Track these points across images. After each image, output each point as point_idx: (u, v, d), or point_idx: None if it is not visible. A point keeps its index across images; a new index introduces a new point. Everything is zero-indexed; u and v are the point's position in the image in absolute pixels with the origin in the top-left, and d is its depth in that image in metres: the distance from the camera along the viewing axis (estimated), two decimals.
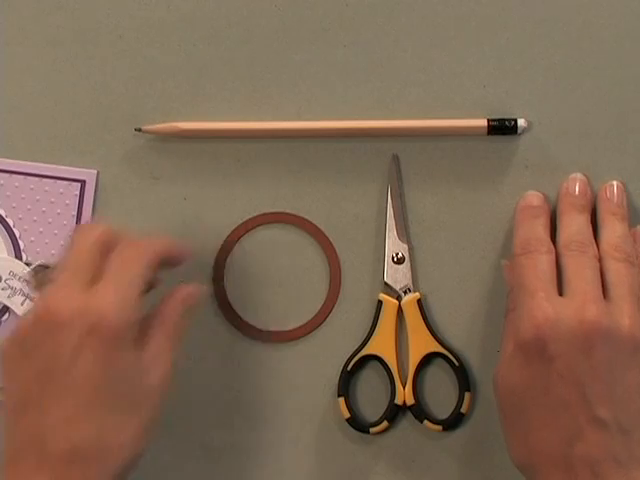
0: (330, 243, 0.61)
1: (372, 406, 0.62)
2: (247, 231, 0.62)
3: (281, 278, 0.62)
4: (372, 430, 0.61)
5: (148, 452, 0.60)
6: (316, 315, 0.61)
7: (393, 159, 0.62)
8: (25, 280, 0.58)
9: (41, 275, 0.58)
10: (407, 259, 0.62)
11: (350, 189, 0.63)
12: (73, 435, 0.49)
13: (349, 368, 0.61)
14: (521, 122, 0.62)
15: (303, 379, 0.62)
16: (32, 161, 0.63)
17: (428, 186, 0.62)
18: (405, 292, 0.61)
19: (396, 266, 0.62)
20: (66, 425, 0.49)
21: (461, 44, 0.63)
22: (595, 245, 0.55)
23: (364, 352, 0.61)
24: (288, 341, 0.62)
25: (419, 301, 0.61)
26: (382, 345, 0.61)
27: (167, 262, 0.55)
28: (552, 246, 0.55)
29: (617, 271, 0.53)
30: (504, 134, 0.62)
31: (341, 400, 0.61)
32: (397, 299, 0.61)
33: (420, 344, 0.61)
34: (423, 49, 0.63)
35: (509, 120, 0.62)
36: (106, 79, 0.63)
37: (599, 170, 0.62)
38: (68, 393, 0.49)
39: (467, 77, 0.63)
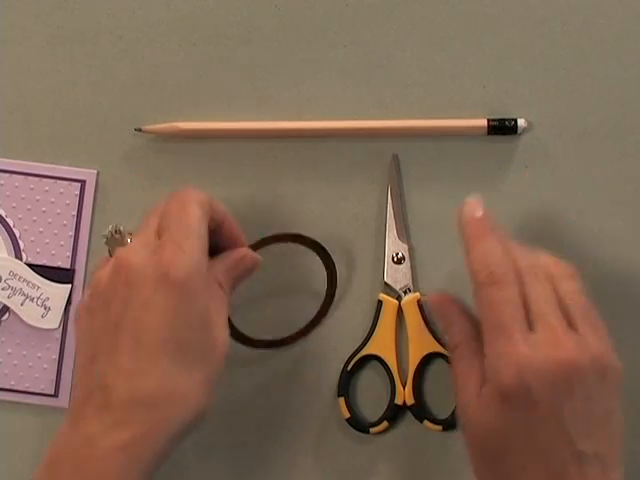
0: (328, 254, 0.61)
1: (372, 406, 0.62)
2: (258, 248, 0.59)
3: (278, 288, 0.62)
4: (372, 430, 0.61)
5: None
6: (307, 325, 0.62)
7: (393, 159, 0.62)
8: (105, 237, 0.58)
9: (115, 238, 0.58)
10: (407, 259, 0.62)
11: (350, 189, 0.63)
12: (138, 384, 0.50)
13: (349, 368, 0.61)
14: (521, 122, 0.62)
15: (303, 379, 0.62)
16: (32, 161, 0.63)
17: (428, 186, 0.62)
18: (405, 292, 0.61)
19: (396, 266, 0.62)
20: (131, 374, 0.50)
21: (461, 44, 0.63)
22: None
23: (364, 352, 0.61)
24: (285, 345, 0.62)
25: (419, 301, 0.61)
26: (382, 345, 0.61)
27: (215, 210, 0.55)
28: (513, 270, 0.51)
29: (570, 292, 0.51)
30: (504, 134, 0.62)
31: (341, 400, 0.61)
32: (397, 299, 0.61)
33: (420, 344, 0.61)
34: (423, 49, 0.63)
35: (509, 120, 0.62)
36: (106, 79, 0.63)
37: (599, 170, 0.62)
38: (136, 343, 0.50)
39: (467, 77, 0.63)
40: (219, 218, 0.55)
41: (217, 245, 0.55)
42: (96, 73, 0.63)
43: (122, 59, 0.63)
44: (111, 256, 0.54)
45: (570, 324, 0.50)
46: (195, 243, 0.51)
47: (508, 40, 0.63)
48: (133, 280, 0.51)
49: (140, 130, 0.62)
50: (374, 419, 0.61)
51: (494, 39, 0.63)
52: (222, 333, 0.53)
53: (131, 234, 0.55)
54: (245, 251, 0.56)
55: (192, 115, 0.63)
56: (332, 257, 0.60)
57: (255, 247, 0.58)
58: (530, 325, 0.50)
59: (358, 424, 0.61)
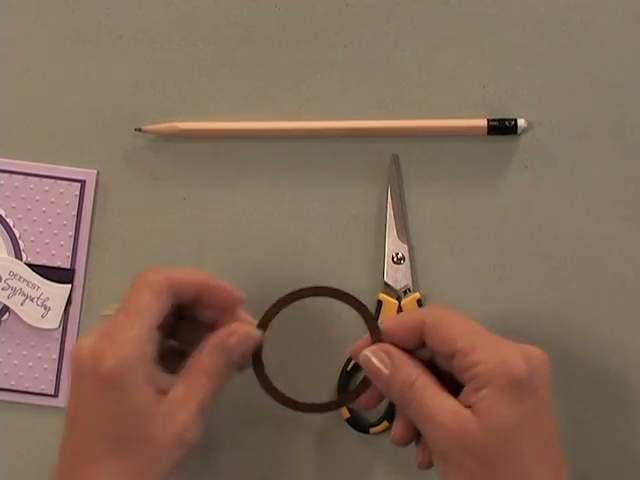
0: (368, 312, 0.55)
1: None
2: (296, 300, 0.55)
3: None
4: (372, 430, 0.61)
5: None
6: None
7: (393, 159, 0.62)
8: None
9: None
10: (407, 259, 0.62)
11: (350, 189, 0.63)
12: (71, 475, 0.50)
13: (349, 368, 0.61)
14: (521, 122, 0.62)
15: (303, 379, 0.62)
16: (32, 161, 0.63)
17: (428, 186, 0.62)
18: (405, 292, 0.61)
19: (396, 266, 0.62)
20: (69, 464, 0.51)
21: (461, 44, 0.63)
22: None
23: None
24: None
25: (419, 301, 0.61)
26: None
27: (189, 292, 0.53)
28: None
29: None
30: (504, 134, 0.62)
31: None
32: (397, 299, 0.61)
33: None
34: (423, 49, 0.63)
35: (509, 120, 0.62)
36: (106, 79, 0.63)
37: (599, 170, 0.62)
38: (75, 433, 0.51)
39: (467, 77, 0.63)
40: (192, 291, 0.53)
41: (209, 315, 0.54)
42: (96, 73, 0.63)
43: (122, 59, 0.63)
44: None
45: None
46: (133, 334, 0.50)
47: (508, 40, 0.63)
48: (75, 370, 0.51)
49: (140, 130, 0.62)
50: (374, 419, 0.61)
51: (494, 39, 0.63)
52: (175, 424, 0.50)
53: None
54: (231, 330, 0.53)
55: (192, 115, 0.63)
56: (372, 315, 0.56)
57: (284, 302, 0.54)
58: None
59: (358, 424, 0.61)
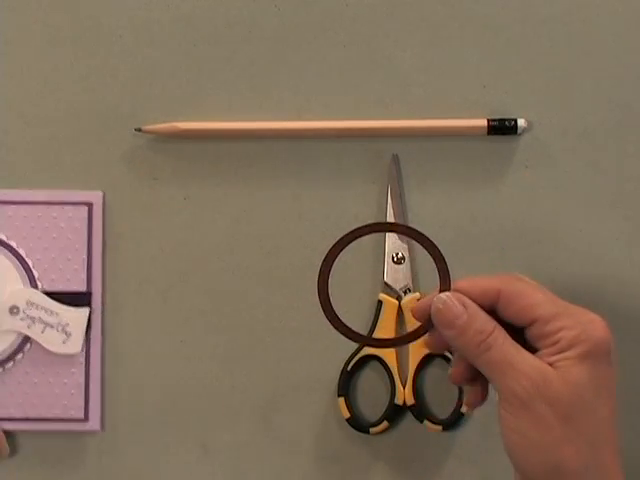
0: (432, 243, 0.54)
1: (372, 406, 0.62)
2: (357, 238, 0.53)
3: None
4: (372, 430, 0.61)
5: (148, 452, 0.61)
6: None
7: (393, 159, 0.62)
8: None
9: None
10: (407, 259, 0.62)
11: (350, 189, 0.63)
12: None
13: (349, 368, 0.61)
14: (521, 122, 0.62)
15: (303, 379, 0.62)
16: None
17: (428, 186, 0.62)
18: (405, 292, 0.61)
19: (396, 266, 0.62)
20: None
21: (461, 44, 0.63)
22: None
23: (364, 352, 0.61)
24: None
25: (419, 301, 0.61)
26: None
27: None
28: None
29: None
30: (504, 134, 0.62)
31: (341, 400, 0.61)
32: (397, 299, 0.61)
33: (420, 344, 0.60)
34: (423, 49, 0.63)
35: (509, 120, 0.62)
36: (106, 79, 0.63)
37: (599, 170, 0.62)
38: None
39: (467, 77, 0.63)
40: None
41: None
42: (96, 73, 0.63)
43: (122, 59, 0.63)
44: None
45: None
46: None
47: (508, 40, 0.63)
48: None
49: (140, 130, 0.62)
50: (374, 419, 0.61)
51: (494, 39, 0.63)
52: None
53: None
54: None
55: (192, 115, 0.63)
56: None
57: (356, 234, 0.52)
58: None
59: (358, 424, 0.61)
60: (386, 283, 0.62)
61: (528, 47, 0.63)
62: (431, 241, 0.53)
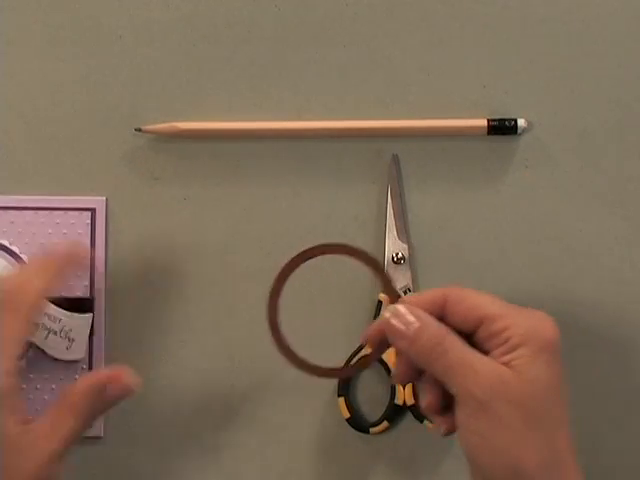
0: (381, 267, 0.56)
1: (372, 406, 0.62)
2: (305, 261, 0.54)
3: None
4: (372, 430, 0.61)
5: (150, 457, 0.61)
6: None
7: (393, 159, 0.62)
8: None
9: None
10: (407, 259, 0.62)
11: (350, 189, 0.63)
12: None
13: None
14: (521, 122, 0.62)
15: (303, 379, 0.62)
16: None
17: (428, 186, 0.62)
18: (405, 292, 0.61)
19: (396, 266, 0.62)
20: None
21: (461, 44, 0.63)
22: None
23: (364, 352, 0.61)
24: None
25: None
26: None
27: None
28: None
29: None
30: (504, 134, 0.62)
31: (341, 400, 0.61)
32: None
33: None
34: (423, 49, 0.63)
35: (509, 120, 0.62)
36: (106, 79, 0.63)
37: (599, 170, 0.62)
38: None
39: (467, 77, 0.63)
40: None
41: None
42: (96, 73, 0.63)
43: (122, 59, 0.63)
44: None
45: None
46: (3, 366, 0.51)
47: (508, 40, 0.63)
48: None
49: (140, 130, 0.62)
50: (374, 419, 0.61)
51: (494, 39, 0.63)
52: (30, 460, 0.50)
53: None
54: (111, 377, 0.53)
55: (192, 115, 0.63)
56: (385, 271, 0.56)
57: (299, 259, 0.54)
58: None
59: (358, 424, 0.61)
60: None
61: (528, 47, 0.62)
62: (375, 260, 0.53)
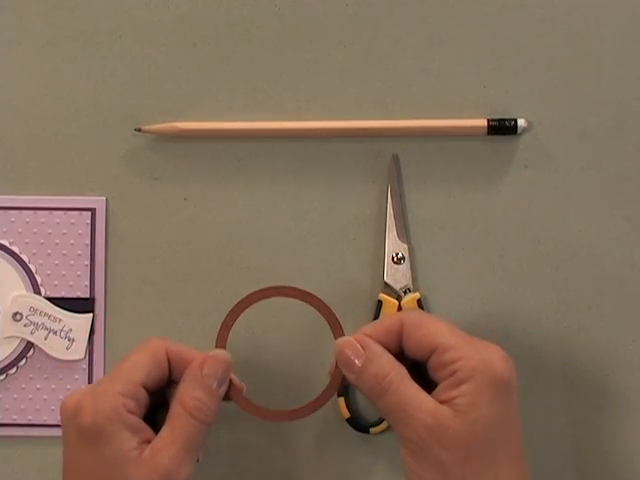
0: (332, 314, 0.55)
1: (372, 406, 0.62)
2: (250, 305, 0.55)
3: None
4: (372, 430, 0.61)
5: None
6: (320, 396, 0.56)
7: (393, 159, 0.62)
8: None
9: None
10: (407, 259, 0.62)
11: (350, 189, 0.63)
12: None
13: None
14: (521, 122, 0.62)
15: (303, 379, 0.62)
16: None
17: (428, 186, 0.62)
18: (405, 292, 0.61)
19: (396, 266, 0.62)
20: None
21: (461, 44, 0.63)
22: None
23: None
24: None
25: (419, 301, 0.61)
26: None
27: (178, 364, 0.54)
28: None
29: None
30: (504, 134, 0.62)
31: (341, 400, 0.61)
32: (397, 299, 0.61)
33: None
34: (423, 49, 0.63)
35: (509, 120, 0.62)
36: (106, 79, 0.63)
37: (599, 170, 0.62)
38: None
39: (467, 77, 0.63)
40: (182, 362, 0.54)
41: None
42: (96, 73, 0.63)
43: (122, 59, 0.63)
44: None
45: None
46: (116, 387, 0.51)
47: (508, 40, 0.63)
48: (62, 422, 0.52)
49: (140, 130, 0.62)
50: (374, 419, 0.61)
51: (494, 39, 0.63)
52: (159, 468, 0.51)
53: None
54: (200, 357, 0.53)
55: (192, 115, 0.63)
56: (337, 316, 0.55)
57: (248, 302, 0.55)
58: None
59: (358, 424, 0.61)
60: (386, 283, 0.62)
61: (528, 47, 0.63)
62: (319, 299, 0.55)
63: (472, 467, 0.49)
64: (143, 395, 0.52)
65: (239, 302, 0.55)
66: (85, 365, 0.62)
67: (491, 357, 0.50)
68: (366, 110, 0.63)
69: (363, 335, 0.53)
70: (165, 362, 0.53)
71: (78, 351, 0.62)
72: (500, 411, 0.50)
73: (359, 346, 0.52)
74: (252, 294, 0.55)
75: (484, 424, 0.49)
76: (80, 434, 0.51)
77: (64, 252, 0.62)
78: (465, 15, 0.63)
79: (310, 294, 0.55)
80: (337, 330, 0.54)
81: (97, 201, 0.63)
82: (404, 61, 0.63)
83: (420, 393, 0.50)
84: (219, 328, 0.54)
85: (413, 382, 0.51)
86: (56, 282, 0.62)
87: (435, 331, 0.51)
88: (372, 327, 0.53)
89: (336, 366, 0.54)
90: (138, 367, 0.52)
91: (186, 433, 0.51)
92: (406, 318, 0.52)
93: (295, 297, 0.55)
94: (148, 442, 0.51)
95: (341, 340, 0.53)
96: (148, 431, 0.52)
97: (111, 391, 0.51)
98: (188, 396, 0.52)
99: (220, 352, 0.54)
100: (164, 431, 0.52)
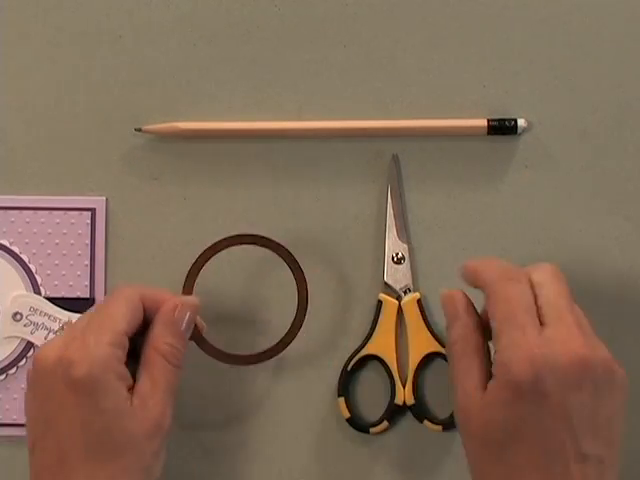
0: (296, 262, 0.59)
1: (372, 406, 0.62)
2: (215, 253, 0.59)
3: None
4: (372, 430, 0.61)
5: None
6: (283, 337, 0.59)
7: (393, 159, 0.62)
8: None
9: None
10: (407, 259, 0.62)
11: (350, 189, 0.63)
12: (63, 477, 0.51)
13: (349, 368, 0.61)
14: (521, 122, 0.62)
15: (303, 379, 0.62)
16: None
17: (428, 186, 0.62)
18: (405, 292, 0.61)
19: (396, 266, 0.62)
20: (54, 470, 0.51)
21: (461, 44, 0.63)
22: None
23: (364, 352, 0.61)
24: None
25: (419, 301, 0.61)
26: (382, 345, 0.61)
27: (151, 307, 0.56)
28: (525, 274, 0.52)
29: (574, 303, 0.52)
30: (504, 134, 0.62)
31: (341, 400, 0.61)
32: (397, 299, 0.61)
33: (420, 344, 0.61)
34: (423, 49, 0.63)
35: (509, 120, 0.62)
36: (106, 79, 0.63)
37: (599, 170, 0.62)
38: (54, 439, 0.51)
39: (467, 77, 0.63)
40: (156, 305, 0.55)
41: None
42: (96, 73, 0.63)
43: (122, 59, 0.63)
44: None
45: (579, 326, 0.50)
46: (104, 337, 0.52)
47: (508, 40, 0.63)
48: (44, 373, 0.52)
49: (140, 130, 0.62)
50: (374, 419, 0.61)
51: (494, 39, 0.63)
52: (150, 416, 0.52)
53: None
54: (172, 302, 0.55)
55: (192, 115, 0.63)
56: (299, 263, 0.59)
57: (213, 250, 0.58)
58: (542, 321, 0.50)
59: (358, 424, 0.61)
60: (386, 283, 0.62)
61: (528, 47, 0.62)
62: (280, 245, 0.59)
63: (487, 460, 0.49)
64: (126, 344, 0.53)
65: (205, 250, 0.58)
66: None
67: (511, 357, 0.48)
68: (366, 110, 0.63)
69: (456, 292, 0.53)
70: (141, 309, 0.54)
71: None
72: (518, 418, 0.48)
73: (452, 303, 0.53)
74: (217, 243, 0.58)
75: (495, 429, 0.48)
76: (71, 386, 0.51)
77: (64, 252, 0.62)
78: (465, 15, 0.63)
79: (270, 240, 0.58)
80: (299, 277, 0.58)
81: (97, 201, 0.63)
82: (404, 61, 0.63)
83: (472, 372, 0.50)
84: (186, 276, 0.58)
85: (476, 356, 0.51)
86: (56, 282, 0.62)
87: (493, 311, 0.50)
88: (487, 267, 0.53)
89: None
90: (120, 317, 0.53)
91: (165, 378, 0.53)
92: (486, 281, 0.52)
93: (255, 244, 0.59)
94: (131, 389, 0.52)
95: (443, 293, 0.54)
96: (130, 379, 0.53)
97: (102, 342, 0.51)
98: (162, 342, 0.54)
99: (190, 297, 0.57)
100: (144, 378, 0.53)
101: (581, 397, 0.48)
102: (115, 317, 0.53)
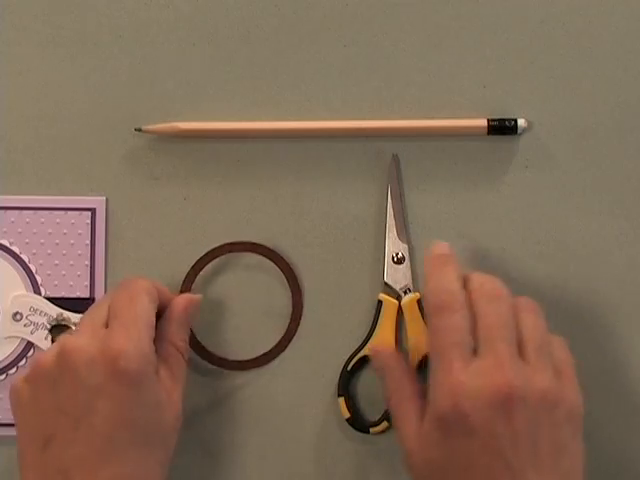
0: (293, 272, 0.61)
1: (372, 406, 0.62)
2: (213, 259, 0.62)
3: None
4: (372, 430, 0.61)
5: None
6: (278, 342, 0.62)
7: (393, 159, 0.62)
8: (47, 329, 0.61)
9: (60, 326, 0.61)
10: (407, 259, 0.62)
11: (350, 189, 0.63)
12: (95, 472, 0.50)
13: (349, 368, 0.61)
14: (521, 122, 0.62)
15: (303, 379, 0.62)
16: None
17: (428, 186, 0.62)
18: (405, 292, 0.61)
19: (396, 266, 0.62)
20: (89, 462, 0.50)
21: (461, 44, 0.63)
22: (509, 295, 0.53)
23: (364, 352, 0.61)
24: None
25: (419, 301, 0.61)
26: (382, 345, 0.61)
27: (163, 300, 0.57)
28: (464, 296, 0.52)
29: (527, 324, 0.51)
30: (504, 134, 0.62)
31: (341, 400, 0.61)
32: (397, 299, 0.61)
33: (420, 344, 0.61)
34: (423, 49, 0.63)
35: (509, 120, 0.62)
36: (106, 79, 0.63)
37: (599, 170, 0.62)
38: (91, 430, 0.51)
39: (467, 77, 0.63)
40: (166, 301, 0.58)
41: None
42: (96, 73, 0.63)
43: (122, 59, 0.63)
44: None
45: (522, 355, 0.50)
46: (143, 332, 0.53)
47: (508, 40, 0.63)
48: (81, 365, 0.51)
49: (140, 130, 0.62)
50: (374, 419, 0.61)
51: (494, 39, 0.63)
52: (175, 409, 0.54)
53: (75, 324, 0.59)
54: (184, 300, 0.58)
55: (192, 115, 0.63)
56: (292, 268, 0.61)
57: (208, 259, 0.61)
58: (477, 350, 0.50)
59: (358, 424, 0.61)
60: (386, 283, 0.62)
61: (528, 47, 0.63)
62: (279, 255, 0.61)
63: None
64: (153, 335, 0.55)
65: (203, 255, 0.61)
66: None
67: (436, 393, 0.49)
68: (366, 110, 0.63)
69: (387, 348, 0.57)
70: (157, 301, 0.56)
71: None
72: (450, 451, 0.48)
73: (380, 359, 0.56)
74: (218, 247, 0.61)
75: (433, 468, 0.49)
76: (121, 380, 0.51)
77: (64, 252, 0.62)
78: (465, 15, 0.63)
79: (269, 249, 0.61)
80: (295, 289, 0.61)
81: (97, 201, 0.63)
82: (404, 61, 0.63)
83: (409, 417, 0.52)
84: (182, 281, 0.61)
85: (410, 402, 0.52)
86: (56, 282, 0.62)
87: (428, 345, 0.51)
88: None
89: None
90: (150, 311, 0.55)
91: (182, 373, 0.56)
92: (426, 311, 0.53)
93: (254, 252, 0.61)
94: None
95: (374, 350, 0.57)
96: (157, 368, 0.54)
97: (146, 336, 0.53)
98: (179, 339, 0.56)
99: (196, 295, 0.59)
100: (166, 373, 0.54)
101: (512, 428, 0.47)
102: (147, 311, 0.54)
